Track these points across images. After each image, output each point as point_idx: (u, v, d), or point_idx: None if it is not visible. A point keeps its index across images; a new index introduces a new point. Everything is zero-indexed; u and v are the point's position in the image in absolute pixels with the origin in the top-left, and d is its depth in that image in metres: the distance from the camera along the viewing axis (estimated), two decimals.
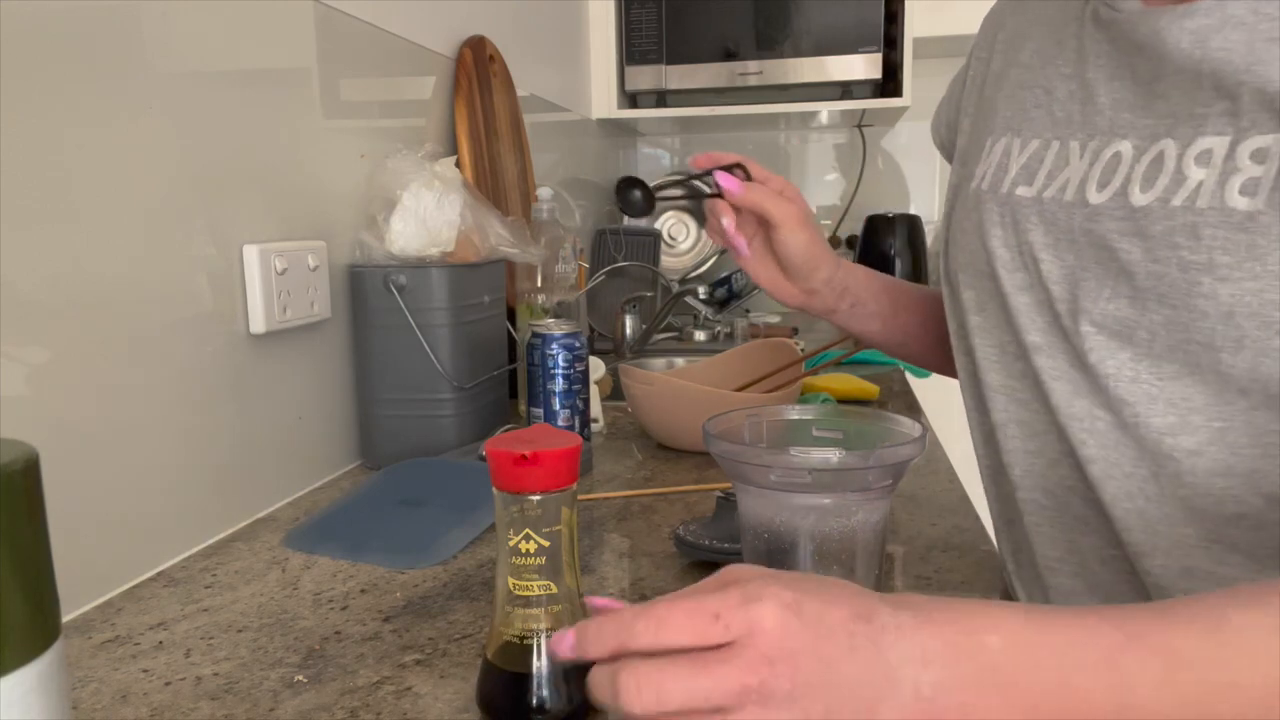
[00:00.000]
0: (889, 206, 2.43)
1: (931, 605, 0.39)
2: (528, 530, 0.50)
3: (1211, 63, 0.51)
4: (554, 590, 0.51)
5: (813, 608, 0.38)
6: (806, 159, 2.57)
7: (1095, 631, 0.38)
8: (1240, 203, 0.49)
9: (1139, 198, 0.54)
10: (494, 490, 0.51)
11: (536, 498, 0.50)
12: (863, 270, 0.85)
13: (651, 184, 0.79)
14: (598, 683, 0.38)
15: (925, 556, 0.76)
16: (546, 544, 0.50)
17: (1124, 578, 0.60)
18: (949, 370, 0.85)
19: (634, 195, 0.80)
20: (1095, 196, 0.57)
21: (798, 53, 2.05)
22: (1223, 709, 0.37)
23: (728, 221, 0.78)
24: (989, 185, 0.65)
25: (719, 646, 0.37)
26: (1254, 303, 0.48)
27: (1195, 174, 0.51)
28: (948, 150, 0.80)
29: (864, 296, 0.84)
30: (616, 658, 0.38)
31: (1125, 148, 0.56)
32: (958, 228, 0.69)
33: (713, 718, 0.36)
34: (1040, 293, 0.60)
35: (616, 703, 0.37)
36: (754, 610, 0.37)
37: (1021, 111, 0.65)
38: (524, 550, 0.50)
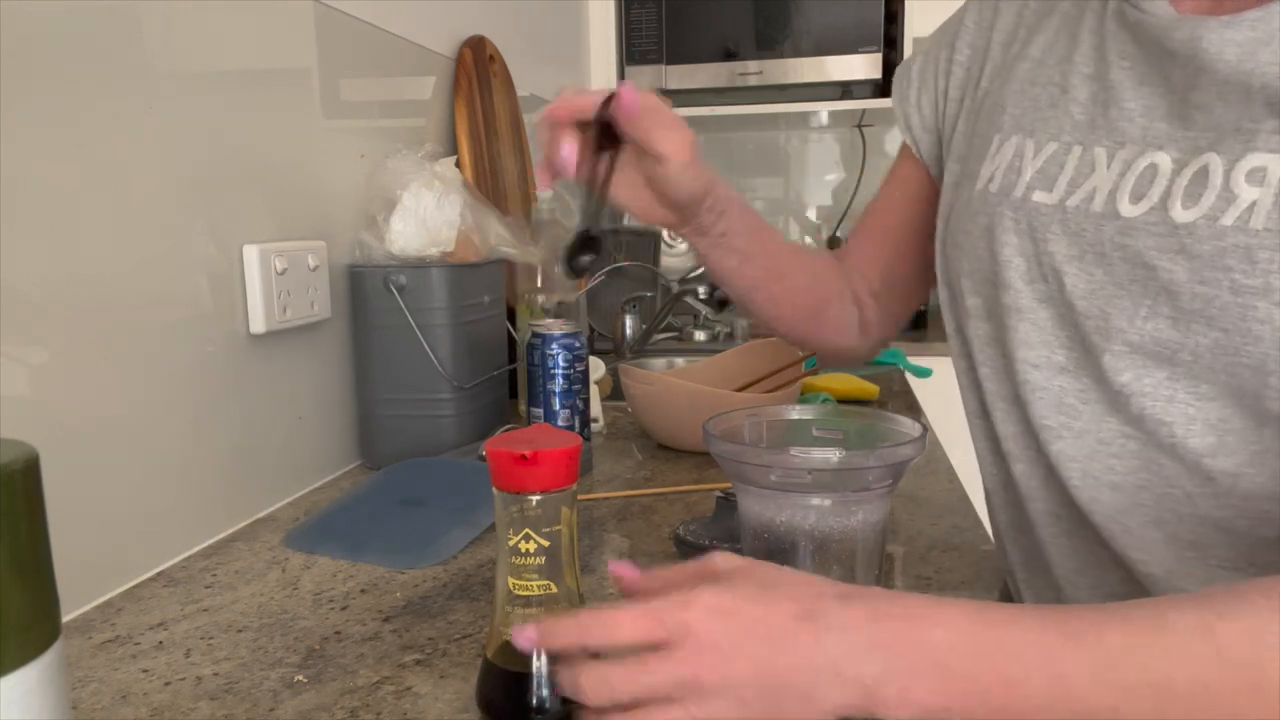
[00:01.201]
0: None
1: (884, 600, 0.43)
2: (528, 530, 0.50)
3: (1263, 77, 0.49)
4: (554, 590, 0.51)
5: (749, 611, 0.42)
6: (806, 159, 2.57)
7: (1037, 628, 0.41)
8: None
9: (1181, 214, 0.51)
10: (494, 490, 0.51)
11: (536, 498, 0.50)
12: (739, 202, 0.75)
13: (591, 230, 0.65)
14: (564, 678, 0.44)
15: (925, 556, 0.76)
16: (546, 544, 0.50)
17: (1145, 591, 0.58)
18: (792, 331, 0.83)
19: (583, 260, 0.65)
20: (1129, 209, 0.54)
21: (798, 53, 2.05)
22: (1151, 706, 0.38)
23: (567, 150, 0.63)
24: (999, 188, 0.62)
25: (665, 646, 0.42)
26: None
27: (1247, 193, 0.49)
28: (918, 140, 0.76)
29: (736, 227, 0.74)
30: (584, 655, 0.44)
31: (1163, 160, 0.53)
32: (959, 230, 0.66)
33: (662, 708, 0.41)
34: (1062, 307, 0.57)
35: (577, 696, 0.43)
36: (685, 614, 0.42)
37: (1034, 110, 0.62)
38: (524, 550, 0.50)
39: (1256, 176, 0.49)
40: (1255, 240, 0.48)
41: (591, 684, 0.43)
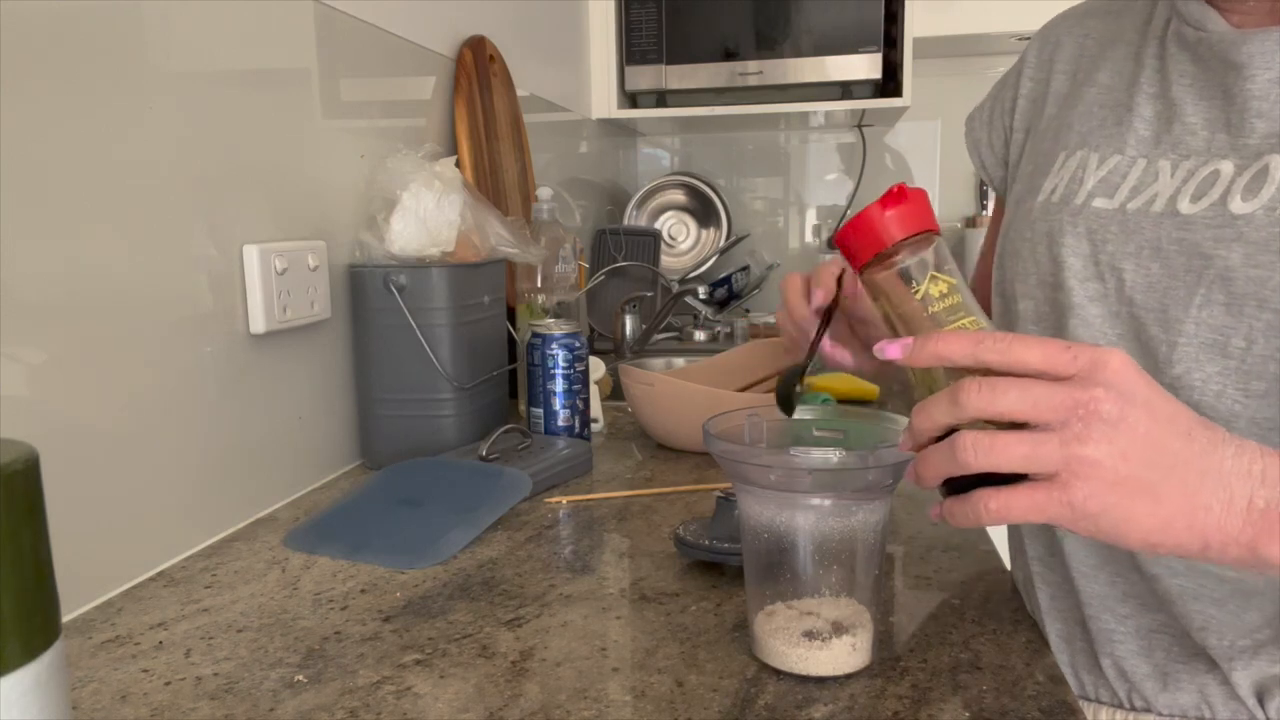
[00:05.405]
0: None
1: (1272, 450, 0.42)
2: (932, 273, 0.47)
3: None
4: (984, 326, 0.47)
5: (1159, 391, 0.41)
6: (807, 159, 2.57)
7: None
8: None
9: (1240, 206, 0.54)
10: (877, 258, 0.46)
11: (920, 239, 0.47)
12: None
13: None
14: (942, 394, 0.42)
15: (925, 556, 0.75)
16: (954, 280, 0.47)
17: (1159, 589, 0.60)
18: None
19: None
20: (1188, 208, 0.56)
21: (798, 53, 2.05)
22: None
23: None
24: (1060, 198, 0.65)
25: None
26: None
27: None
28: (993, 176, 0.79)
29: None
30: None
31: (1226, 167, 0.56)
32: (1018, 238, 0.68)
33: (1038, 439, 0.39)
34: (1115, 304, 0.60)
35: (954, 397, 0.40)
36: (1104, 351, 0.40)
37: (1099, 128, 0.65)
38: (938, 294, 0.47)
39: None
40: None
41: (975, 386, 0.40)
